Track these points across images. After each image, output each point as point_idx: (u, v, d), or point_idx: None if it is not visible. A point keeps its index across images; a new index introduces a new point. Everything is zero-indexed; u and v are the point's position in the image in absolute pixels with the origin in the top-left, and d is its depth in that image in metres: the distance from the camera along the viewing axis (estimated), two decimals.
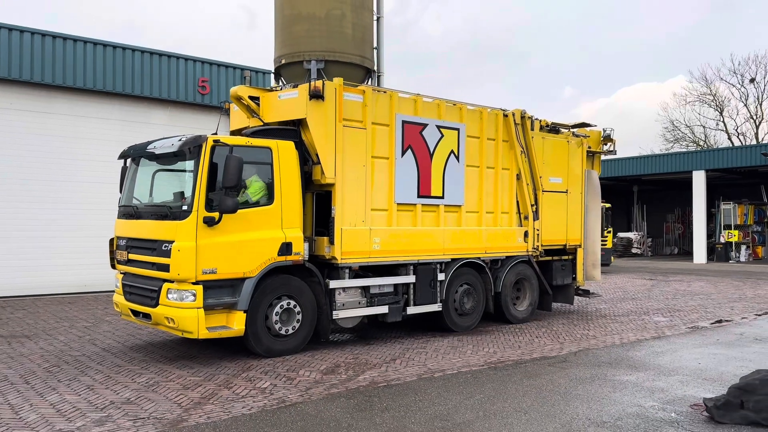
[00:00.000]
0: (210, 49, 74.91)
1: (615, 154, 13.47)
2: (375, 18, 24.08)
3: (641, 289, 17.63)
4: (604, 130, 13.10)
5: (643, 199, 39.59)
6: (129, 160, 8.89)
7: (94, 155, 14.21)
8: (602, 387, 6.82)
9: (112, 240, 8.79)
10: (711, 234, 33.20)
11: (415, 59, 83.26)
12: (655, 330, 10.71)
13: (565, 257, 11.95)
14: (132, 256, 8.24)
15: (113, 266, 8.82)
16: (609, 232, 26.22)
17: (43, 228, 13.94)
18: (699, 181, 31.08)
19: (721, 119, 47.64)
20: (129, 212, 8.54)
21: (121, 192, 8.91)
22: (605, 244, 25.85)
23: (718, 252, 31.82)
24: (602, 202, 27.04)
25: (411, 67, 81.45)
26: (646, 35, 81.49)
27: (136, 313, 8.14)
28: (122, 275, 8.57)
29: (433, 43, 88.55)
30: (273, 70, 21.85)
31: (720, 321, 11.79)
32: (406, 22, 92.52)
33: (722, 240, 31.90)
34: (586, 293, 12.69)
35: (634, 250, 37.20)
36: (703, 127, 48.63)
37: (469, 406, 6.05)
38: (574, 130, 12.54)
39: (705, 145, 46.83)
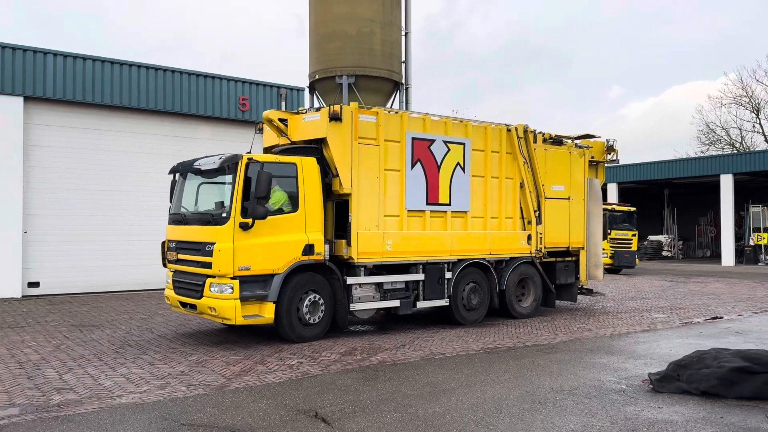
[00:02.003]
0: (258, 55, 77.32)
1: (618, 163, 14.54)
2: (403, 33, 25.62)
3: (655, 290, 18.49)
4: (608, 141, 14.20)
5: (675, 202, 39.90)
6: (178, 175, 10.38)
7: (146, 168, 15.94)
8: (574, 366, 8.02)
9: (164, 243, 10.23)
10: (741, 237, 33.49)
11: (461, 61, 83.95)
12: (649, 324, 11.75)
13: (569, 258, 13.05)
14: (180, 256, 9.68)
15: (164, 265, 10.25)
16: (634, 235, 26.96)
17: (102, 233, 15.71)
18: (727, 184, 31.45)
19: (758, 121, 47.45)
20: (178, 219, 10.03)
21: (171, 201, 10.37)
22: (630, 247, 26.66)
23: (747, 255, 32.11)
24: (628, 206, 27.89)
25: (456, 69, 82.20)
26: (698, 32, 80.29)
27: (184, 304, 9.58)
28: (172, 273, 10.03)
29: (478, 45, 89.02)
30: (308, 85, 23.62)
31: (715, 318, 12.71)
32: (452, 25, 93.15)
33: (751, 243, 32.18)
34: (589, 292, 13.79)
35: (664, 253, 37.60)
36: (740, 129, 48.47)
37: (456, 378, 7.35)
38: (578, 141, 13.67)
39: (741, 148, 46.68)
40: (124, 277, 15.82)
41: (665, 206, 40.05)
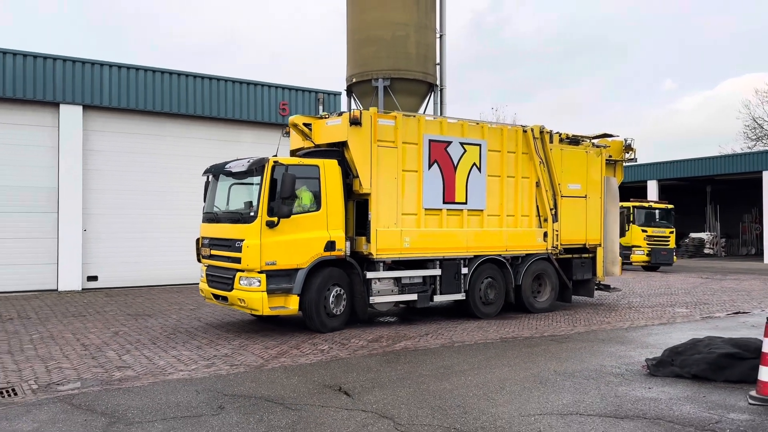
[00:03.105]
0: (305, 57, 78.90)
1: (635, 161, 14.87)
2: (438, 36, 26.35)
3: (687, 287, 18.72)
4: (626, 140, 14.57)
5: (718, 199, 39.39)
6: (211, 176, 11.11)
7: (193, 170, 16.97)
8: (582, 354, 8.64)
9: (198, 239, 11.00)
10: None
11: (508, 56, 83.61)
12: (668, 318, 12.18)
13: (585, 255, 13.47)
14: (213, 252, 10.41)
15: (199, 260, 11.01)
16: (672, 232, 26.99)
17: (153, 231, 16.91)
18: None
19: None
20: (211, 217, 10.79)
21: (204, 201, 11.14)
22: (668, 244, 26.73)
23: None
24: (666, 203, 27.89)
25: (504, 64, 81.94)
26: (757, 21, 78.01)
27: (216, 296, 10.30)
28: (206, 267, 10.76)
29: (526, 40, 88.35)
30: (345, 89, 24.59)
31: (738, 312, 13.03)
32: (500, 20, 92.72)
33: None
34: (606, 288, 14.20)
35: (706, 251, 37.20)
36: None
37: (470, 361, 8.07)
38: (595, 141, 14.07)
39: None
40: (173, 272, 16.97)
41: (707, 203, 39.56)
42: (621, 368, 7.70)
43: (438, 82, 25.07)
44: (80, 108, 16.00)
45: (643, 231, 26.41)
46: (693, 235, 37.93)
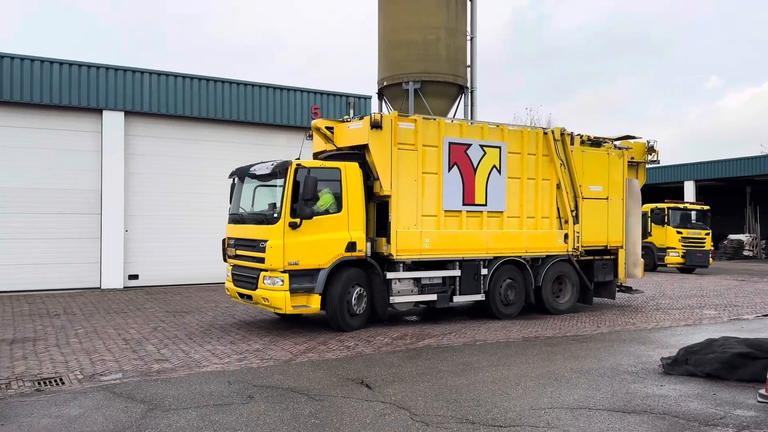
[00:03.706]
0: (344, 58, 79.77)
1: (658, 163, 14.80)
2: (468, 38, 26.55)
3: (719, 289, 18.56)
4: (648, 142, 14.56)
5: (758, 200, 38.56)
6: (236, 178, 11.35)
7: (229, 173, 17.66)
8: (601, 353, 8.84)
9: (224, 240, 11.26)
10: None
11: (549, 53, 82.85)
12: (695, 320, 12.22)
13: (607, 257, 13.48)
14: (238, 252, 10.66)
15: (225, 260, 11.29)
16: (708, 234, 26.64)
17: (191, 231, 17.54)
18: None
19: None
20: (236, 218, 11.00)
21: (230, 203, 11.43)
22: (703, 246, 26.39)
23: None
24: (701, 204, 27.58)
25: (544, 61, 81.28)
26: None
27: (241, 295, 10.55)
28: (231, 267, 11.03)
29: (568, 37, 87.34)
30: (376, 92, 24.98)
31: (766, 315, 12.97)
32: (540, 17, 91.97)
33: None
34: (628, 289, 14.21)
35: (745, 253, 36.51)
36: None
37: (489, 359, 8.36)
38: (617, 142, 14.09)
39: None
40: (209, 271, 17.57)
41: (747, 204, 38.77)
42: (637, 367, 7.89)
43: (468, 84, 25.32)
44: (122, 114, 16.73)
45: (678, 233, 26.13)
46: (732, 236, 37.24)
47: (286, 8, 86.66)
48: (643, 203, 27.99)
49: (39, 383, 7.09)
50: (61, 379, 7.28)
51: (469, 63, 25.45)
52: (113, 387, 6.90)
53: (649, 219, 26.27)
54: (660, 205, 26.90)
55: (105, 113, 16.58)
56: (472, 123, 11.93)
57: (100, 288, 16.51)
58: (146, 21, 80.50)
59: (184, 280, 17.49)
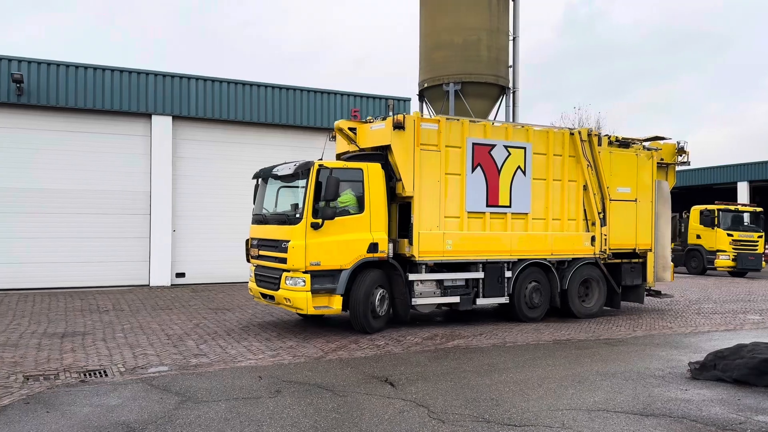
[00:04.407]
0: (387, 60, 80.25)
1: (689, 165, 14.37)
2: (511, 39, 26.41)
3: None
4: (678, 143, 14.19)
5: None
6: (260, 179, 11.47)
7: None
8: (631, 356, 8.80)
9: (247, 240, 11.29)
10: None
11: (603, 50, 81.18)
12: (736, 325, 11.95)
13: (635, 260, 13.16)
14: (261, 252, 10.67)
15: (248, 260, 11.26)
16: (760, 236, 25.82)
17: (234, 231, 17.91)
18: None
19: None
20: (259, 219, 11.05)
21: (254, 203, 11.50)
22: (756, 249, 25.58)
23: None
24: (754, 206, 26.75)
25: (598, 58, 79.70)
26: None
27: (264, 295, 10.56)
28: (254, 267, 11.03)
29: (622, 33, 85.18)
30: (417, 93, 25.12)
31: None
32: (594, 13, 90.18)
33: None
34: (657, 294, 13.83)
35: None
36: None
37: (516, 360, 8.44)
38: (646, 143, 13.76)
39: None
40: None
41: None
42: (665, 371, 7.84)
43: (510, 85, 25.24)
44: (170, 118, 17.40)
45: (729, 235, 25.40)
46: None
47: (334, 11, 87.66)
48: (693, 204, 27.41)
49: (84, 375, 7.55)
50: (104, 371, 7.73)
51: (511, 63, 25.40)
52: (152, 380, 7.29)
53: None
54: (710, 207, 26.21)
55: (154, 118, 17.28)
56: (496, 123, 11.81)
57: (149, 285, 17.21)
58: (199, 27, 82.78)
59: (228, 278, 18.05)
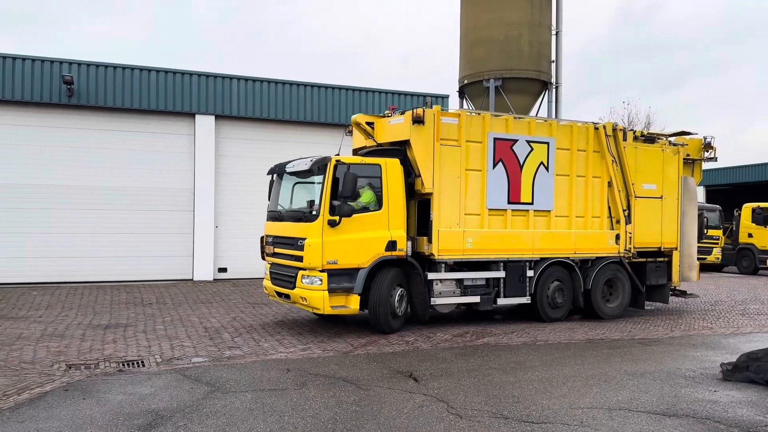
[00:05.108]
0: (433, 57, 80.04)
1: (716, 161, 13.85)
2: (554, 33, 26.05)
3: None
4: (705, 138, 13.69)
5: None
6: (275, 175, 11.22)
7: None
8: (663, 357, 8.64)
9: (262, 237, 11.12)
10: None
11: (660, 43, 78.92)
12: None
13: (660, 259, 12.76)
14: (277, 250, 10.48)
15: (263, 258, 11.08)
16: None
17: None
18: None
19: None
20: (275, 216, 10.84)
21: (269, 200, 11.31)
22: None
23: None
24: None
25: (654, 52, 77.54)
26: None
27: (279, 294, 10.39)
28: (270, 265, 10.90)
29: (680, 25, 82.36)
30: (457, 90, 25.02)
31: None
32: (651, 5, 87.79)
33: None
34: (682, 294, 13.36)
35: None
36: None
37: (544, 359, 8.40)
38: (672, 138, 13.33)
39: None
40: None
41: None
42: (696, 372, 7.69)
43: (553, 80, 24.88)
44: (212, 118, 17.86)
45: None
46: None
47: (380, 10, 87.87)
48: (746, 202, 26.49)
49: (122, 365, 7.90)
50: (142, 362, 8.06)
51: (553, 58, 25.04)
52: (185, 370, 7.57)
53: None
54: (762, 205, 25.33)
55: (197, 117, 17.76)
56: (518, 118, 11.47)
57: (192, 280, 17.72)
58: (246, 25, 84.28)
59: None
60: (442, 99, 19.83)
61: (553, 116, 23.71)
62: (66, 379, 7.06)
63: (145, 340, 9.49)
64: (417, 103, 19.66)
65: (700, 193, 38.50)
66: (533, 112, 24.49)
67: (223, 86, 17.95)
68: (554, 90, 24.89)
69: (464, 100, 25.00)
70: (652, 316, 12.54)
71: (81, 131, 16.84)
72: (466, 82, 24.27)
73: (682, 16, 79.40)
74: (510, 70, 23.44)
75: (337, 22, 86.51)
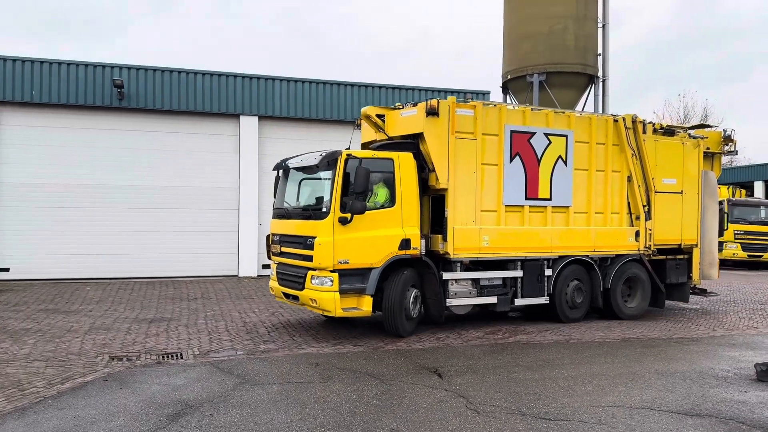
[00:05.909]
0: (487, 53, 79.40)
1: (736, 154, 13.25)
2: (600, 25, 25.56)
3: None
4: (725, 131, 13.16)
5: None
6: (281, 171, 10.67)
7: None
8: (699, 356, 8.46)
9: (268, 236, 10.61)
10: None
11: (723, 32, 76.09)
12: None
13: (680, 256, 12.32)
14: (284, 249, 9.98)
15: (269, 257, 10.56)
16: None
17: None
18: None
19: None
20: (281, 213, 10.33)
21: (275, 197, 10.78)
22: None
23: None
24: None
25: (717, 41, 74.76)
26: None
27: (287, 295, 9.87)
28: (276, 265, 10.36)
29: (747, 14, 79.40)
30: (500, 85, 24.83)
31: None
32: None
33: None
34: (702, 292, 12.80)
35: None
36: None
37: (573, 357, 8.35)
38: (691, 131, 12.84)
39: None
40: None
41: None
42: (729, 372, 7.51)
43: (599, 74, 24.41)
44: (256, 118, 18.30)
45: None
46: None
47: (435, 6, 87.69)
48: None
49: (162, 357, 8.27)
50: (180, 354, 8.41)
51: (600, 51, 24.56)
52: (218, 363, 7.87)
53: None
54: None
55: (242, 118, 18.23)
56: (535, 109, 10.96)
57: (237, 276, 18.22)
58: (302, 23, 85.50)
59: None
60: (482, 95, 19.74)
61: (600, 111, 23.24)
62: (107, 370, 7.45)
63: (186, 333, 9.87)
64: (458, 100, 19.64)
65: (760, 188, 37.06)
66: (579, 106, 24.13)
67: (266, 87, 18.37)
68: (601, 84, 24.43)
69: (507, 96, 24.81)
70: (696, 315, 12.24)
71: (131, 133, 17.51)
72: (509, 77, 24.07)
73: (746, 5, 76.28)
74: (554, 64, 23.13)
75: (386, 20, 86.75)
